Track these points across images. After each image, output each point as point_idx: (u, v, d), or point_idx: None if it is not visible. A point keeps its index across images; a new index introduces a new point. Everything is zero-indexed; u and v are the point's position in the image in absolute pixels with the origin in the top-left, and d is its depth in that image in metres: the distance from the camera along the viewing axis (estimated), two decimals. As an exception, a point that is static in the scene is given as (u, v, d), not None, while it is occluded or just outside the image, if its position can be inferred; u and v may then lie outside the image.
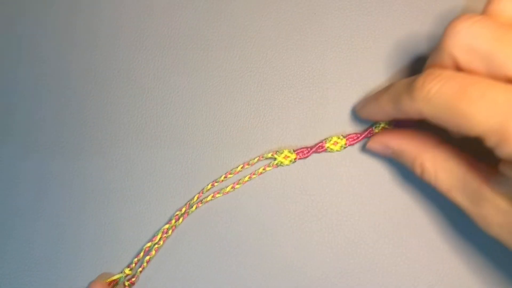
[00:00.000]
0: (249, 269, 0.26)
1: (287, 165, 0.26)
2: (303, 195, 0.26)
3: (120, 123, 0.27)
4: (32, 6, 0.29)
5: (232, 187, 0.26)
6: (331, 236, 0.26)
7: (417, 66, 0.26)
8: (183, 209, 0.26)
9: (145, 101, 0.27)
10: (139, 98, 0.28)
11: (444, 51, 0.20)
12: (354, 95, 0.27)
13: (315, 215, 0.26)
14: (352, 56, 0.27)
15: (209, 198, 0.26)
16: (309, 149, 0.26)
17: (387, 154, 0.25)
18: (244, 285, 0.26)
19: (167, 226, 0.26)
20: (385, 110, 0.22)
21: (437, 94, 0.18)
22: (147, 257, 0.26)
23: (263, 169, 0.26)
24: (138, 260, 0.26)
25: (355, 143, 0.26)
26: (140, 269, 0.26)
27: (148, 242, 0.26)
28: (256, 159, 0.26)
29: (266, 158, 0.26)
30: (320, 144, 0.26)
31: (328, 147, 0.26)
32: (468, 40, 0.19)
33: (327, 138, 0.26)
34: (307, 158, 0.26)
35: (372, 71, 0.27)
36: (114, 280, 0.26)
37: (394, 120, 0.25)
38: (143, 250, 0.26)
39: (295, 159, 0.26)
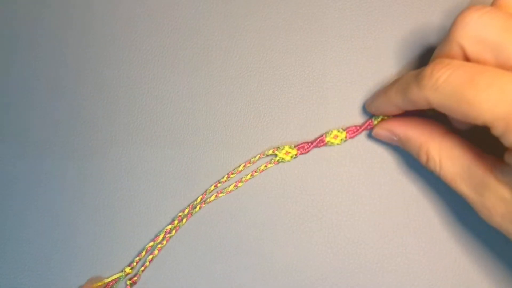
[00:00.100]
0: (249, 268, 0.26)
1: (288, 161, 0.26)
2: (303, 195, 0.26)
3: (120, 123, 0.27)
4: (29, 6, 0.29)
5: (235, 186, 0.26)
6: (331, 236, 0.26)
7: (419, 65, 0.26)
8: (186, 210, 0.26)
9: (145, 101, 0.27)
10: (139, 98, 0.28)
11: (453, 41, 0.20)
12: (354, 95, 0.27)
13: (315, 215, 0.26)
14: (352, 56, 0.27)
15: (212, 198, 0.26)
16: (309, 144, 0.26)
17: (392, 141, 0.25)
18: (244, 285, 0.26)
19: (169, 226, 0.26)
20: (393, 101, 0.22)
21: (445, 83, 0.19)
22: (150, 256, 0.26)
23: (265, 166, 0.26)
24: (140, 260, 0.26)
25: (355, 135, 0.26)
26: (142, 268, 0.26)
27: (150, 242, 0.26)
28: (257, 157, 0.26)
29: (267, 155, 0.26)
30: (320, 138, 0.26)
31: (328, 141, 0.26)
32: (477, 31, 0.19)
33: (327, 132, 0.26)
34: (308, 158, 0.26)
35: (373, 71, 0.27)
36: (115, 279, 0.26)
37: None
38: (145, 250, 0.26)
39: (296, 154, 0.26)
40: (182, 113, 0.27)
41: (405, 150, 0.24)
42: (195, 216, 0.26)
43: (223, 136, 0.27)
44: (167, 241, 0.26)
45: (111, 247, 0.26)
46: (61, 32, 0.28)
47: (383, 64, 0.27)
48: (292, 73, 0.27)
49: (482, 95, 0.18)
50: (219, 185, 0.26)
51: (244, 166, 0.26)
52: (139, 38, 0.28)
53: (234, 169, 0.26)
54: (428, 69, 0.19)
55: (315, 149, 0.26)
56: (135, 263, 0.26)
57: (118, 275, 0.26)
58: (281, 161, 0.26)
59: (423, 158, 0.23)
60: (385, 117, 0.25)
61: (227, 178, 0.26)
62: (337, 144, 0.26)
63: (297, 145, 0.26)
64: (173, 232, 0.26)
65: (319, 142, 0.26)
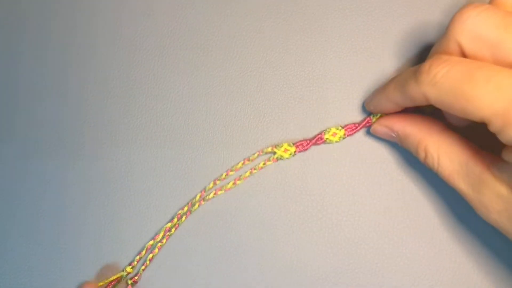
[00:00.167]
0: (249, 268, 0.26)
1: (287, 158, 0.26)
2: (303, 195, 0.26)
3: (120, 123, 0.27)
4: (33, 8, 0.29)
5: (234, 183, 0.26)
6: (331, 236, 0.26)
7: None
8: (185, 208, 0.26)
9: (145, 101, 0.27)
10: (139, 98, 0.28)
11: (451, 38, 0.20)
12: (354, 95, 0.27)
13: (315, 215, 0.26)
14: (352, 56, 0.27)
15: (211, 195, 0.26)
16: (308, 141, 0.26)
17: (391, 138, 0.25)
18: (244, 283, 0.26)
19: (169, 224, 0.26)
20: (391, 98, 0.22)
21: (443, 78, 0.19)
22: (150, 255, 0.26)
23: (264, 164, 0.26)
24: (140, 258, 0.26)
25: (354, 133, 0.26)
26: (143, 267, 0.26)
27: (150, 240, 0.26)
28: (256, 154, 0.26)
29: (266, 153, 0.26)
30: (319, 136, 0.26)
31: (327, 138, 0.26)
32: (475, 28, 0.19)
33: (325, 130, 0.26)
34: (308, 158, 0.26)
35: (372, 71, 0.27)
36: (116, 278, 0.26)
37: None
38: (145, 248, 0.26)
39: (294, 152, 0.26)
40: (182, 113, 0.27)
41: (404, 147, 0.24)
42: (194, 215, 0.26)
43: (223, 136, 0.27)
44: (167, 239, 0.26)
45: (111, 246, 0.26)
46: (65, 34, 0.28)
47: (383, 64, 0.27)
48: (292, 73, 0.27)
49: (480, 90, 0.18)
50: (218, 182, 0.26)
51: (242, 164, 0.26)
52: (139, 38, 0.28)
53: (232, 167, 0.26)
54: (426, 65, 0.19)
55: (315, 149, 0.26)
56: (135, 262, 0.26)
57: (119, 274, 0.26)
58: (280, 159, 0.26)
59: (421, 155, 0.23)
60: (384, 115, 0.25)
61: (225, 175, 0.26)
62: (336, 141, 0.26)
63: (296, 143, 0.26)
64: (173, 230, 0.26)
65: (317, 139, 0.26)
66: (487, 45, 0.19)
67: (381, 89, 0.24)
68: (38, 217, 0.27)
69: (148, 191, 0.27)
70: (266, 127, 0.27)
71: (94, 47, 0.28)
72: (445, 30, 0.20)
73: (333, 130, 0.26)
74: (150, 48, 0.28)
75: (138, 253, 0.26)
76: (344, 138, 0.26)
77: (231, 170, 0.26)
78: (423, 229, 0.26)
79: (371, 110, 0.25)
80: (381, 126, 0.25)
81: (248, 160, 0.26)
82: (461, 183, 0.21)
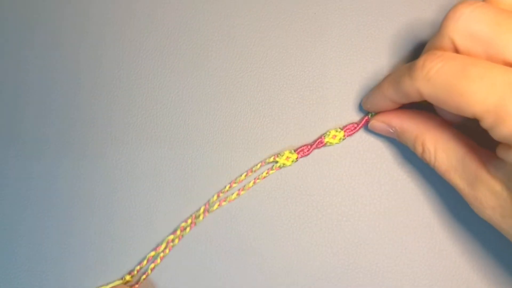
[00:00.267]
0: (250, 272, 0.26)
1: (289, 165, 0.26)
2: (303, 195, 0.26)
3: (120, 123, 0.27)
4: (42, 10, 0.29)
5: (238, 194, 0.26)
6: (331, 236, 0.26)
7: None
8: (189, 221, 0.26)
9: (144, 101, 0.27)
10: (139, 98, 0.28)
11: (444, 35, 0.20)
12: (354, 95, 0.27)
13: (315, 215, 0.26)
14: (352, 56, 0.27)
15: (216, 207, 0.26)
16: (309, 147, 0.26)
17: (388, 134, 0.25)
18: (245, 284, 0.26)
19: (171, 236, 0.26)
20: (386, 94, 0.22)
21: (437, 74, 0.19)
22: (152, 265, 0.26)
23: (266, 173, 0.26)
24: (141, 268, 0.26)
25: (353, 133, 0.26)
26: (144, 276, 0.26)
27: (152, 251, 0.26)
28: (258, 165, 0.26)
29: (268, 163, 0.26)
30: (319, 140, 0.26)
31: (327, 141, 0.26)
32: (468, 25, 0.19)
33: (325, 133, 0.26)
34: (308, 159, 0.26)
35: (372, 71, 0.27)
36: (113, 286, 0.25)
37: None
38: (146, 259, 0.26)
39: (296, 158, 0.26)
40: (182, 113, 0.27)
41: (401, 142, 0.24)
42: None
43: (223, 136, 0.27)
44: (170, 250, 0.26)
45: (112, 254, 0.26)
46: (60, 32, 0.28)
47: (383, 64, 0.27)
48: (292, 73, 0.27)
49: (473, 86, 0.18)
50: (221, 195, 0.26)
51: (246, 175, 0.26)
52: (139, 37, 0.28)
53: (236, 178, 0.26)
54: (420, 61, 0.19)
55: (315, 150, 0.26)
56: (135, 272, 0.26)
57: (117, 282, 0.26)
58: (282, 167, 0.26)
59: (418, 150, 0.23)
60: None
61: (229, 187, 0.26)
62: (336, 143, 0.26)
63: (297, 149, 0.26)
64: (176, 241, 0.26)
65: (318, 143, 0.26)
66: (480, 43, 0.19)
67: (376, 87, 0.24)
68: (36, 220, 0.27)
69: (148, 192, 0.27)
70: (266, 127, 0.27)
71: (93, 47, 0.28)
72: (438, 27, 0.20)
73: (333, 132, 0.26)
74: (150, 48, 0.28)
75: (139, 263, 0.26)
76: (344, 139, 0.26)
77: (235, 182, 0.26)
78: (423, 229, 0.26)
79: (367, 108, 0.25)
80: (379, 122, 0.25)
81: (251, 171, 0.26)
82: (457, 179, 0.21)
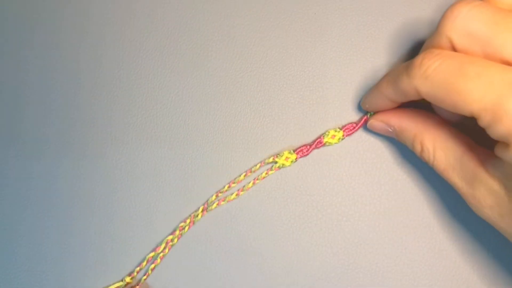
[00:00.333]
0: (250, 271, 0.26)
1: (288, 165, 0.26)
2: (303, 195, 0.26)
3: (120, 124, 0.27)
4: (42, 11, 0.29)
5: (237, 194, 0.26)
6: (331, 236, 0.26)
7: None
8: (188, 220, 0.26)
9: (144, 102, 0.27)
10: (139, 98, 0.28)
11: (442, 34, 0.20)
12: (354, 95, 0.27)
13: (315, 215, 0.26)
14: (352, 56, 0.27)
15: (214, 206, 0.26)
16: (308, 147, 0.26)
17: (387, 133, 0.25)
18: (245, 284, 0.26)
19: (170, 237, 0.26)
20: (385, 93, 0.22)
21: (435, 72, 0.19)
22: (152, 265, 0.26)
23: (266, 174, 0.26)
24: (140, 269, 0.26)
25: (352, 133, 0.26)
26: (145, 277, 0.26)
27: (152, 252, 0.26)
28: (258, 166, 0.26)
29: (268, 163, 0.26)
30: (318, 140, 0.26)
31: (326, 141, 0.26)
32: (466, 24, 0.19)
33: (324, 133, 0.26)
34: (307, 159, 0.26)
35: (372, 71, 0.27)
36: None
37: None
38: (146, 260, 0.26)
39: (295, 159, 0.26)
40: (182, 113, 0.27)
41: (400, 141, 0.24)
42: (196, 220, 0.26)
43: (223, 136, 0.27)
44: (169, 249, 0.26)
45: (112, 254, 0.26)
46: (60, 32, 0.28)
47: (383, 64, 0.27)
48: (292, 73, 0.27)
49: (470, 85, 0.18)
50: (220, 194, 0.26)
51: (245, 176, 0.26)
52: (139, 37, 0.28)
53: (235, 179, 0.26)
54: (418, 59, 0.19)
55: (314, 150, 0.26)
56: (135, 273, 0.26)
57: (117, 284, 0.26)
58: (282, 167, 0.26)
59: (417, 149, 0.23)
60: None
61: (228, 187, 0.26)
62: (335, 143, 0.26)
63: (296, 150, 0.26)
64: (175, 240, 0.26)
65: (317, 143, 0.26)
66: (478, 41, 0.19)
67: (374, 87, 0.24)
68: (42, 218, 0.27)
69: (149, 191, 0.27)
70: (266, 127, 0.27)
71: (93, 47, 0.28)
72: (436, 26, 0.20)
73: (332, 132, 0.26)
74: (149, 48, 0.28)
75: (139, 264, 0.26)
76: (343, 139, 0.26)
77: (234, 182, 0.26)
78: (423, 229, 0.26)
79: (366, 108, 0.25)
80: (378, 121, 0.25)
81: (251, 172, 0.26)
82: (456, 178, 0.21)
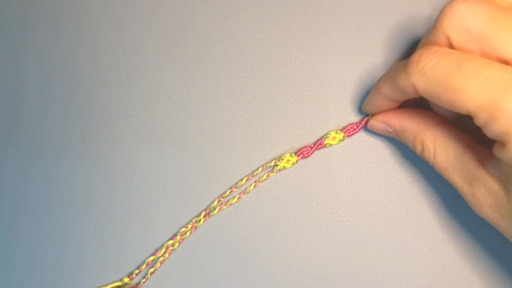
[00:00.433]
0: (249, 269, 0.26)
1: (289, 167, 0.26)
2: (303, 195, 0.26)
3: (121, 123, 0.27)
4: (41, 10, 0.29)
5: (239, 198, 0.26)
6: (331, 236, 0.26)
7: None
8: (189, 226, 0.26)
9: (144, 102, 0.27)
10: (139, 98, 0.27)
11: (440, 30, 0.20)
12: (354, 95, 0.27)
13: (315, 215, 0.26)
14: (352, 55, 0.27)
15: (216, 211, 0.26)
16: (309, 149, 0.26)
17: (388, 133, 0.25)
18: (245, 284, 0.26)
19: (171, 241, 0.26)
20: (383, 92, 0.22)
21: (432, 69, 0.19)
22: (152, 269, 0.26)
23: (267, 176, 0.26)
24: (140, 272, 0.26)
25: (353, 134, 0.26)
26: (144, 280, 0.26)
27: (151, 256, 0.26)
28: (259, 170, 0.26)
29: (269, 167, 0.26)
30: (319, 142, 0.26)
31: (327, 143, 0.26)
32: (464, 21, 0.19)
33: (325, 136, 0.26)
34: (308, 159, 0.26)
35: (373, 71, 0.27)
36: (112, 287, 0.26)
37: None
38: (145, 263, 0.26)
39: (296, 161, 0.26)
40: (182, 113, 0.27)
41: (401, 141, 0.24)
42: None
43: (223, 136, 0.27)
44: (169, 254, 0.26)
45: (111, 254, 0.26)
46: (59, 31, 0.28)
47: (384, 64, 0.27)
48: (292, 73, 0.27)
49: (468, 83, 0.18)
50: (222, 199, 0.26)
51: (247, 180, 0.26)
52: (139, 37, 0.28)
53: (237, 183, 0.26)
54: (416, 55, 0.19)
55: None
56: (134, 275, 0.26)
57: (116, 284, 0.26)
58: (282, 169, 0.26)
59: (418, 148, 0.23)
60: None
61: (230, 192, 0.26)
62: (336, 144, 0.26)
63: (297, 152, 0.26)
64: (176, 245, 0.26)
65: (318, 145, 0.26)
66: (475, 39, 0.19)
67: (373, 87, 0.24)
68: (41, 218, 0.27)
69: (148, 191, 0.27)
70: (266, 127, 0.27)
71: (93, 47, 0.28)
72: (434, 22, 0.20)
73: (333, 134, 0.26)
74: (150, 48, 0.28)
75: (138, 267, 0.26)
76: (343, 140, 0.26)
77: (236, 187, 0.26)
78: (423, 229, 0.26)
79: (366, 110, 0.25)
80: (378, 122, 0.25)
81: (252, 176, 0.26)
82: (456, 177, 0.21)
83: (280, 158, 0.26)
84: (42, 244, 0.27)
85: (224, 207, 0.26)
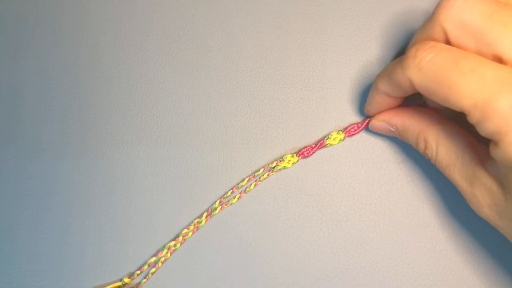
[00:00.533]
0: (249, 269, 0.26)
1: (289, 167, 0.26)
2: (303, 195, 0.26)
3: (121, 123, 0.27)
4: (40, 10, 0.29)
5: (239, 197, 0.26)
6: (331, 236, 0.26)
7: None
8: (191, 227, 0.26)
9: (144, 102, 0.27)
10: (139, 98, 0.27)
11: (436, 23, 0.20)
12: (355, 95, 0.27)
13: (315, 215, 0.26)
14: (352, 56, 0.27)
15: (217, 211, 0.26)
16: (309, 149, 0.26)
17: (390, 133, 0.25)
18: (245, 284, 0.26)
19: (173, 243, 0.26)
20: (381, 88, 0.22)
21: (428, 64, 0.19)
22: (153, 269, 0.26)
23: (267, 175, 0.26)
24: (141, 272, 0.26)
25: (354, 134, 0.26)
26: (144, 280, 0.26)
27: (153, 256, 0.26)
28: (261, 171, 0.26)
29: (270, 168, 0.26)
30: (320, 142, 0.26)
31: (328, 143, 0.26)
32: (461, 15, 0.19)
33: (326, 136, 0.26)
34: (308, 159, 0.26)
35: (372, 71, 0.27)
36: (112, 287, 0.25)
37: None
38: (147, 264, 0.26)
39: (297, 161, 0.26)
40: (182, 113, 0.27)
41: (403, 140, 0.24)
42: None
43: (223, 136, 0.27)
44: (171, 254, 0.26)
45: (111, 254, 0.26)
46: (59, 31, 0.28)
47: (384, 64, 0.27)
48: (292, 73, 0.27)
49: (463, 79, 0.18)
50: (223, 200, 0.26)
51: (248, 181, 0.26)
52: (139, 37, 0.28)
53: (238, 184, 0.26)
54: (413, 50, 0.19)
55: (315, 150, 0.26)
56: (135, 275, 0.26)
57: (116, 284, 0.26)
58: (283, 169, 0.26)
59: (421, 146, 0.23)
60: None
61: (231, 193, 0.26)
62: (337, 144, 0.26)
63: (298, 153, 0.26)
64: (178, 245, 0.26)
65: (319, 145, 0.26)
66: (472, 33, 0.19)
67: (372, 87, 0.24)
68: (41, 218, 0.27)
69: (149, 191, 0.27)
70: (266, 126, 0.27)
71: (96, 48, 0.28)
72: (431, 15, 0.20)
73: (334, 134, 0.26)
74: (149, 48, 0.28)
75: (139, 268, 0.26)
76: (344, 140, 0.26)
77: (237, 188, 0.26)
78: (423, 229, 0.26)
79: (367, 111, 0.25)
80: (379, 121, 0.25)
81: (253, 177, 0.26)
82: (457, 175, 0.21)
83: (281, 159, 0.26)
84: (42, 244, 0.27)
85: (225, 206, 0.26)
